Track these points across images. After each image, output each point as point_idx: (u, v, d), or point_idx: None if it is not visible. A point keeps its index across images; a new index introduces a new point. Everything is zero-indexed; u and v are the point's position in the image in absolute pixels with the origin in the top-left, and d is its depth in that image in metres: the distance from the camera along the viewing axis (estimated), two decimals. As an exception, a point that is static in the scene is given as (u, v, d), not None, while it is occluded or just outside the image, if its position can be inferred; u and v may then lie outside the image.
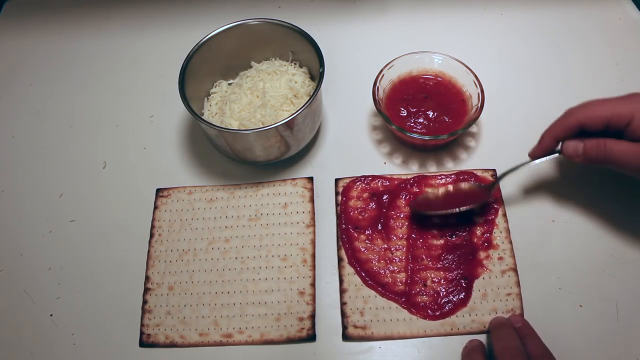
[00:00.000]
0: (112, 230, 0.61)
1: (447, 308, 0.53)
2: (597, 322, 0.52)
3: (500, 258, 0.55)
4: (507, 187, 0.60)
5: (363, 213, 0.59)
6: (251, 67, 0.67)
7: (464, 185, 0.59)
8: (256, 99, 0.62)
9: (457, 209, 0.55)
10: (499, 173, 0.61)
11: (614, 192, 0.59)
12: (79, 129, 0.70)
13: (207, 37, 0.62)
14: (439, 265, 0.55)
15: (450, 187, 0.59)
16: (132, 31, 0.79)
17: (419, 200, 0.58)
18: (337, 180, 0.62)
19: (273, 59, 0.67)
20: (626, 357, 0.47)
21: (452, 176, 0.60)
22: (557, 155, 0.54)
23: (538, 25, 0.75)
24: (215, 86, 0.67)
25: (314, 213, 0.60)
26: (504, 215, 0.58)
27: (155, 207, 0.62)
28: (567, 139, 0.52)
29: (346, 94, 0.70)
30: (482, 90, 0.61)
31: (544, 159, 0.55)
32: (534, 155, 0.55)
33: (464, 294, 0.54)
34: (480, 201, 0.57)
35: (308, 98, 0.59)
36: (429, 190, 0.59)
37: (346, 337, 0.53)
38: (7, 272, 0.59)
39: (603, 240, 0.56)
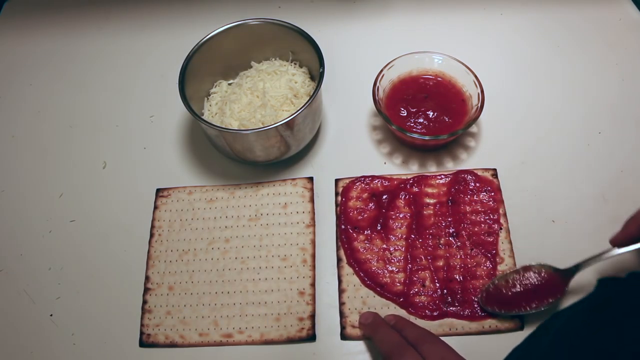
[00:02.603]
0: (112, 230, 0.61)
1: (445, 308, 0.53)
2: (597, 322, 0.52)
3: (500, 258, 0.55)
4: (507, 187, 0.60)
5: (362, 213, 0.59)
6: (251, 67, 0.67)
7: (534, 271, 0.52)
8: (256, 99, 0.62)
9: (530, 307, 0.50)
10: (499, 174, 0.61)
11: (614, 192, 0.59)
12: (79, 129, 0.70)
13: (207, 37, 0.62)
14: (438, 265, 0.55)
15: (522, 270, 0.52)
16: (132, 31, 0.79)
17: (490, 291, 0.52)
18: (336, 181, 0.62)
19: (273, 59, 0.67)
20: (626, 357, 0.47)
21: (451, 176, 0.60)
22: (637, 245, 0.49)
23: (538, 25, 0.75)
24: (215, 86, 0.67)
25: (314, 213, 0.60)
26: (504, 215, 0.58)
27: (155, 207, 0.62)
28: None
29: (346, 94, 0.70)
30: (482, 90, 0.61)
31: (629, 248, 0.49)
32: (618, 242, 0.50)
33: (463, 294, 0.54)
34: (558, 295, 0.51)
35: (308, 98, 0.59)
36: (497, 279, 0.53)
37: (344, 336, 0.53)
38: (7, 272, 0.59)
39: (603, 240, 0.56)
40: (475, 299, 0.53)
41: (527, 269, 0.53)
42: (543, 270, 0.52)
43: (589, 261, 0.51)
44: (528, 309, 0.51)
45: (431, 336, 0.48)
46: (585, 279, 0.53)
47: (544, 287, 0.52)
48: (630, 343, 0.42)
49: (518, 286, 0.52)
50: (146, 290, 0.57)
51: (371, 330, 0.51)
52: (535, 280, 0.52)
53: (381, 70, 0.63)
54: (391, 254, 0.56)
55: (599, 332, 0.44)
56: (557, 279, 0.52)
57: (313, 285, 0.56)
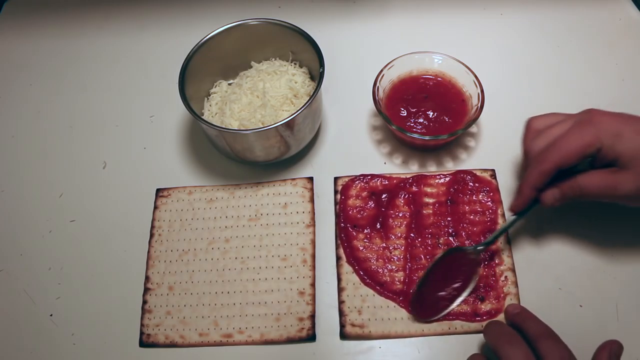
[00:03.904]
0: (112, 230, 0.61)
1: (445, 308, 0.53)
2: (597, 322, 0.52)
3: (498, 258, 0.55)
4: (507, 187, 0.60)
5: (362, 212, 0.59)
6: (251, 67, 0.67)
7: (445, 261, 0.54)
8: (256, 99, 0.62)
9: (457, 299, 0.52)
10: (498, 174, 0.61)
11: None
12: (79, 129, 0.70)
13: (207, 37, 0.62)
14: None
15: (430, 265, 0.54)
16: (132, 31, 0.79)
17: (414, 302, 0.53)
18: (336, 179, 0.62)
19: (273, 59, 0.67)
20: (626, 357, 0.46)
21: (450, 176, 0.60)
22: (536, 206, 0.52)
23: (538, 25, 0.75)
24: (215, 86, 0.67)
25: (314, 213, 0.60)
26: (503, 215, 0.58)
27: (155, 207, 0.62)
28: (545, 189, 0.51)
29: (346, 94, 0.70)
30: (482, 91, 0.61)
31: (525, 213, 0.53)
32: (517, 209, 0.53)
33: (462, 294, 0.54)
34: (474, 275, 0.53)
35: (308, 98, 0.59)
36: (417, 285, 0.54)
37: (344, 335, 0.53)
38: (7, 272, 0.59)
39: (603, 240, 0.56)
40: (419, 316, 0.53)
41: (441, 259, 0.54)
42: (454, 254, 0.54)
43: (496, 236, 0.54)
44: (454, 304, 0.52)
45: (554, 334, 0.46)
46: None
47: (463, 273, 0.53)
48: None
49: (437, 282, 0.53)
50: (146, 290, 0.57)
51: (485, 327, 0.49)
52: (449, 268, 0.54)
53: (381, 70, 0.63)
54: (391, 252, 0.56)
55: None
56: (470, 259, 0.54)
57: (313, 285, 0.56)
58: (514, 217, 0.54)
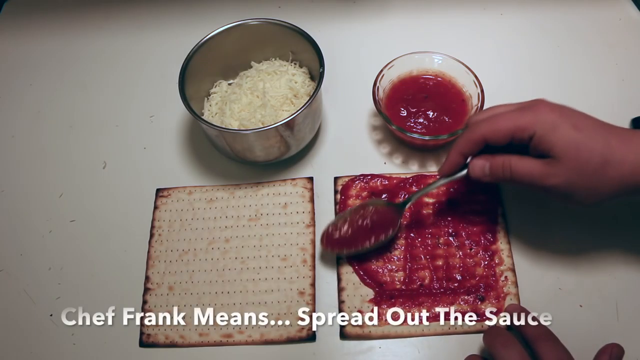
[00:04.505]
0: (112, 230, 0.61)
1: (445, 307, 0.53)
2: (597, 322, 0.52)
3: (498, 258, 0.55)
4: (506, 187, 0.60)
5: (362, 212, 0.59)
6: (251, 67, 0.67)
7: (372, 202, 0.56)
8: (256, 99, 0.62)
9: (369, 243, 0.54)
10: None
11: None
12: (79, 129, 0.70)
13: (207, 37, 0.62)
14: (437, 264, 0.55)
15: (360, 209, 0.55)
16: (132, 31, 0.79)
17: (330, 236, 0.55)
18: (336, 179, 0.62)
19: (273, 59, 0.67)
20: (626, 357, 0.46)
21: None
22: (464, 173, 0.51)
23: (538, 25, 0.75)
24: (215, 86, 0.67)
25: (314, 213, 0.60)
26: (502, 215, 0.58)
27: (155, 207, 0.62)
28: (474, 157, 0.50)
29: (346, 94, 0.70)
30: (482, 90, 0.61)
31: (452, 178, 0.52)
32: (441, 173, 0.53)
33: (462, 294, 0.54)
34: (395, 226, 0.54)
35: (308, 98, 0.59)
36: (336, 218, 0.56)
37: (344, 335, 0.53)
38: (7, 272, 0.59)
39: (603, 239, 0.56)
40: (325, 247, 0.55)
41: (362, 206, 0.55)
42: (378, 206, 0.55)
43: (418, 193, 0.55)
44: (367, 244, 0.54)
45: (552, 335, 0.47)
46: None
47: (379, 223, 0.54)
48: None
49: (355, 224, 0.54)
50: (146, 290, 0.57)
51: (488, 342, 0.48)
52: (370, 217, 0.55)
53: (381, 70, 0.63)
54: (391, 252, 0.56)
55: None
56: (391, 213, 0.55)
57: (313, 285, 0.56)
58: (438, 180, 0.54)
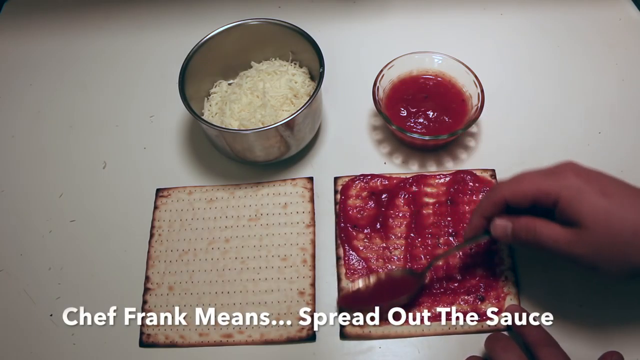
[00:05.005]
0: (112, 230, 0.61)
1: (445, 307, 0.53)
2: (597, 322, 0.52)
3: (498, 258, 0.55)
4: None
5: (362, 212, 0.59)
6: (251, 67, 0.67)
7: (395, 272, 0.55)
8: (256, 99, 0.62)
9: (386, 304, 0.52)
10: (497, 174, 0.61)
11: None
12: (79, 129, 0.70)
13: (207, 37, 0.62)
14: (437, 264, 0.55)
15: (383, 275, 0.54)
16: (132, 31, 0.79)
17: (348, 295, 0.54)
18: (336, 179, 0.62)
19: (273, 59, 0.67)
20: (626, 357, 0.46)
21: (450, 176, 0.60)
22: (487, 236, 0.50)
23: (538, 25, 0.75)
24: (215, 86, 0.67)
25: (314, 213, 0.60)
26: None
27: (155, 207, 0.62)
28: (496, 218, 0.48)
29: (346, 94, 0.70)
30: (482, 90, 0.61)
31: (476, 239, 0.51)
32: (466, 237, 0.52)
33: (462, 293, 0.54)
34: (413, 291, 0.53)
35: (308, 98, 0.59)
36: (360, 282, 0.54)
37: (344, 335, 0.53)
38: (7, 272, 0.59)
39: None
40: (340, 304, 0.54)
41: (387, 274, 0.55)
42: (400, 273, 0.54)
43: (438, 257, 0.54)
44: (384, 304, 0.52)
45: (553, 342, 0.46)
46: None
47: (400, 286, 0.53)
48: None
49: (375, 288, 0.54)
50: (146, 290, 0.57)
51: (489, 348, 0.48)
52: (391, 280, 0.54)
53: (381, 70, 0.63)
54: (391, 252, 0.56)
55: None
56: (413, 279, 0.54)
57: (313, 285, 0.55)
58: (461, 243, 0.53)
